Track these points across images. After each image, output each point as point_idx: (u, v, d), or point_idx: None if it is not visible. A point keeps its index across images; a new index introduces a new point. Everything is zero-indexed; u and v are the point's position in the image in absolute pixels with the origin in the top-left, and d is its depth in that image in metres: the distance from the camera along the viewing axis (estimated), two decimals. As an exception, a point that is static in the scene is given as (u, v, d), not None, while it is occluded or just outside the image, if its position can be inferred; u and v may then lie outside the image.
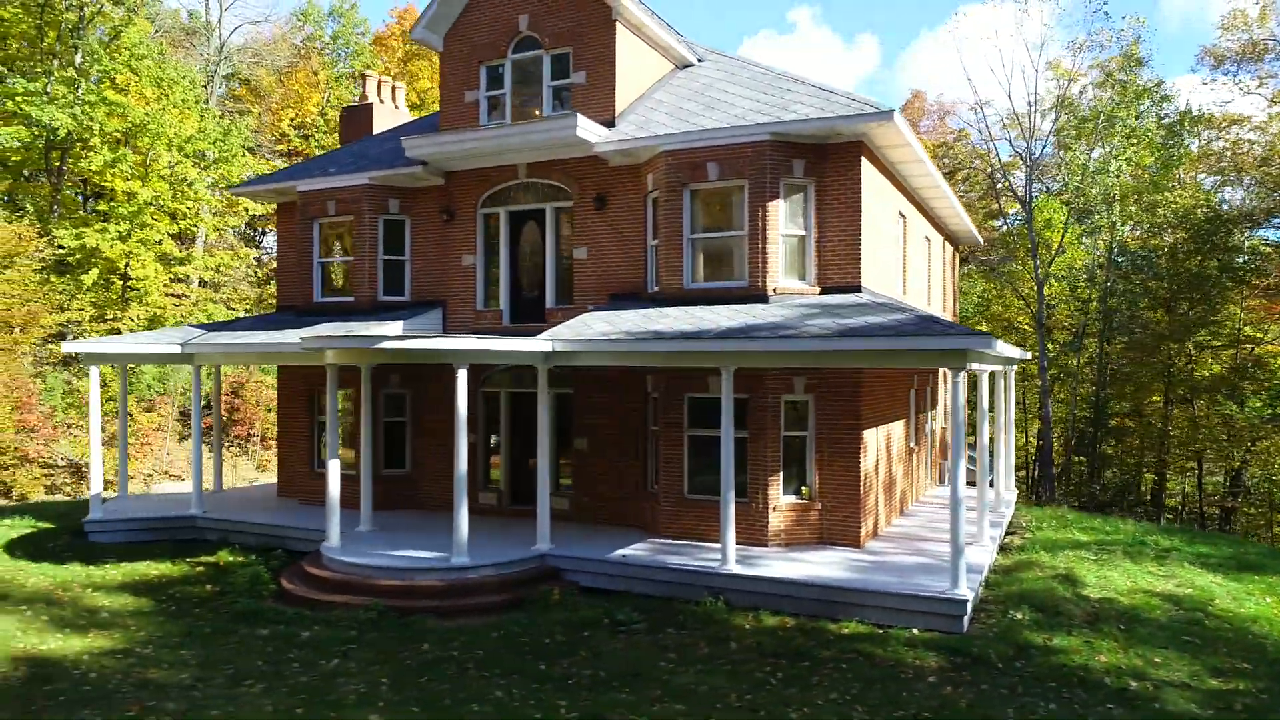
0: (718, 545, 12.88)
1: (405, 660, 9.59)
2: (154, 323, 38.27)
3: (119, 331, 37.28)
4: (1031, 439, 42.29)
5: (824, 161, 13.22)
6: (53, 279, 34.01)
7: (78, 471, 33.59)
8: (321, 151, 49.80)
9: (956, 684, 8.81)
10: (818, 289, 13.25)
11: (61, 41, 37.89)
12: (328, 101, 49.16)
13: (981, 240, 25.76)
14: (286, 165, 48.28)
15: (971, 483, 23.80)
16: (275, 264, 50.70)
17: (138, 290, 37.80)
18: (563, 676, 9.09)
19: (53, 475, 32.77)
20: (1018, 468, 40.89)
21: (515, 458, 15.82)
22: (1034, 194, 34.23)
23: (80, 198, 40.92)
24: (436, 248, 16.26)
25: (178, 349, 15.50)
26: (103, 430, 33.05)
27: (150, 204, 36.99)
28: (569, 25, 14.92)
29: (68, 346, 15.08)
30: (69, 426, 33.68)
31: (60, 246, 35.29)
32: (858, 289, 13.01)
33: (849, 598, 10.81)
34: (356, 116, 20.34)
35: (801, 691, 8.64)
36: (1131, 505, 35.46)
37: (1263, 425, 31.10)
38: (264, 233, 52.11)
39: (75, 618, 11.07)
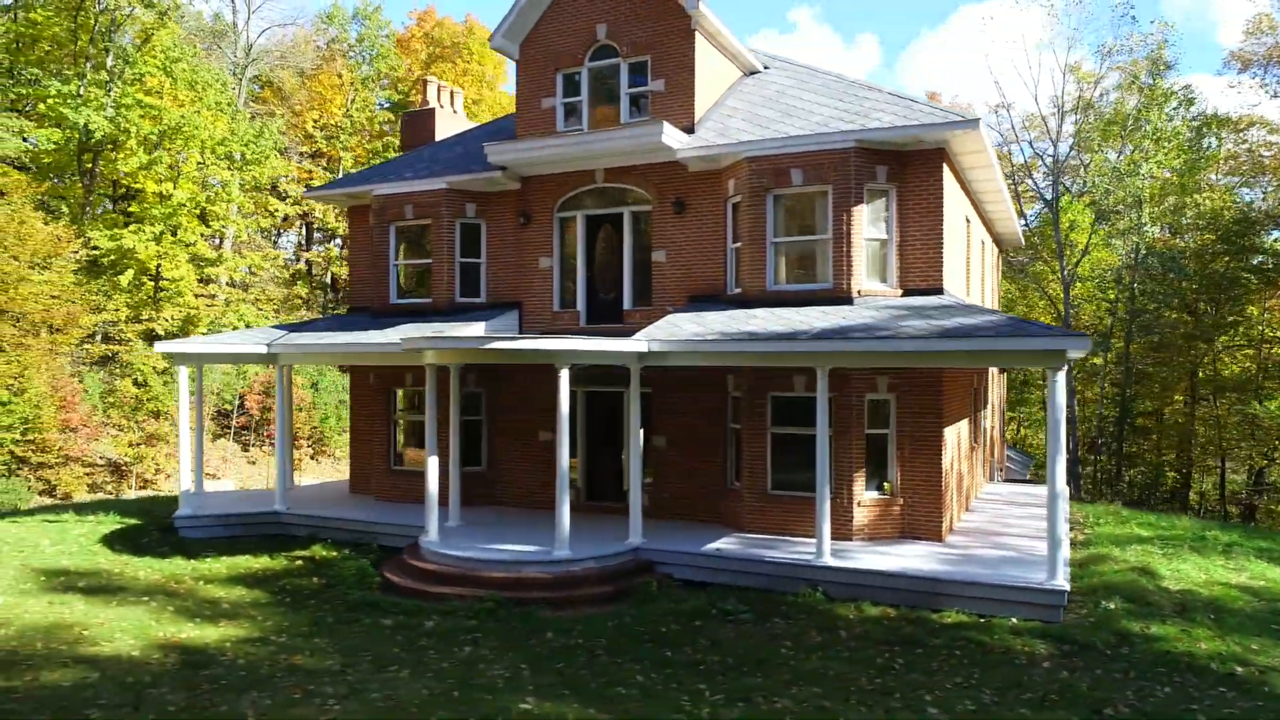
0: (803, 539, 13.32)
1: (535, 648, 10.01)
2: (188, 324, 38.70)
3: (155, 332, 37.73)
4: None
5: (905, 167, 13.66)
6: (87, 280, 34.36)
7: (117, 470, 34.03)
8: (347, 153, 50.18)
9: (1071, 669, 9.25)
10: (899, 291, 13.69)
11: (94, 44, 38.30)
12: (352, 103, 49.55)
13: (1023, 242, 26.23)
14: (312, 167, 48.70)
15: (1012, 480, 24.25)
16: (303, 266, 50.92)
17: (168, 291, 38.23)
18: (691, 662, 9.51)
19: (93, 474, 33.20)
20: (1039, 466, 41.34)
21: (591, 455, 16.24)
22: (1058, 195, 34.66)
23: (110, 199, 41.30)
24: (512, 250, 16.67)
25: (264, 349, 15.92)
26: (133, 429, 33.48)
27: (184, 206, 37.40)
28: (648, 35, 15.33)
29: (160, 346, 15.46)
30: (105, 425, 34.12)
31: (94, 248, 35.69)
32: (940, 291, 13.45)
33: (947, 589, 11.24)
34: (418, 121, 20.74)
35: (925, 675, 9.07)
36: (1156, 503, 35.92)
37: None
38: (280, 234, 52.49)
39: (199, 608, 11.48)
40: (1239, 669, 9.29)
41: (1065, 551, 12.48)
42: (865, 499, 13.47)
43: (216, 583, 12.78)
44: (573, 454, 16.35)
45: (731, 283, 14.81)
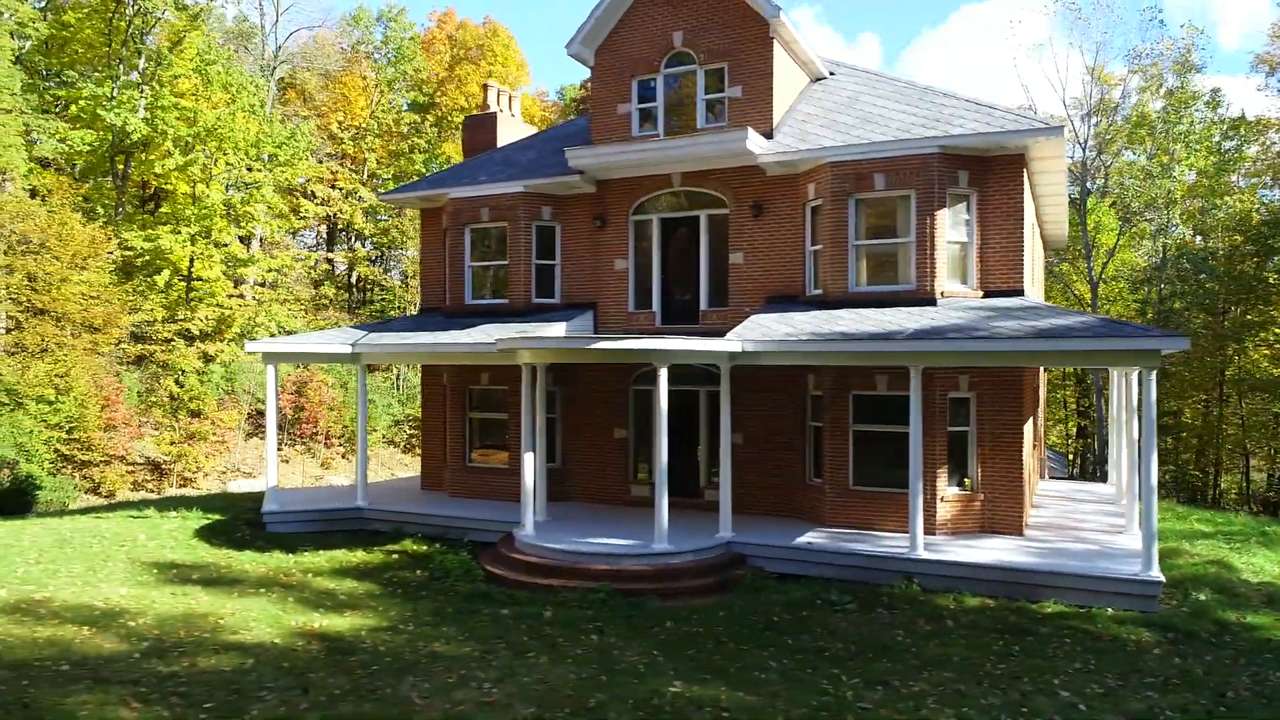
0: (886, 534, 13.74)
1: (659, 636, 10.41)
2: (222, 324, 39.08)
3: (190, 332, 38.14)
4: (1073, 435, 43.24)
5: (986, 172, 14.07)
6: (121, 281, 34.74)
7: (156, 469, 34.40)
8: (371, 154, 50.56)
9: (1182, 656, 9.66)
10: (980, 292, 14.10)
11: (126, 46, 38.69)
12: (377, 105, 49.91)
13: (1067, 243, 26.67)
14: (337, 168, 49.05)
15: (1055, 478, 24.68)
16: (326, 266, 51.02)
17: (198, 291, 38.60)
18: (814, 649, 9.92)
19: (134, 472, 33.58)
20: (1086, 463, 41.77)
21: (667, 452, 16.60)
22: (1086, 196, 35.10)
23: (138, 201, 41.67)
24: (587, 252, 17.07)
25: (348, 349, 16.31)
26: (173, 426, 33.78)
27: (218, 208, 37.79)
28: (726, 42, 15.73)
29: (251, 346, 15.85)
30: (145, 425, 34.47)
31: (128, 249, 36.05)
32: (1020, 292, 13.86)
33: (1042, 580, 11.65)
34: (480, 125, 21.13)
35: (1044, 661, 9.48)
36: (1180, 500, 36.37)
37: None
38: (305, 234, 52.83)
39: (318, 599, 11.87)
40: (1342, 655, 9.70)
41: (1129, 545, 12.95)
42: (948, 494, 13.88)
43: (323, 575, 13.18)
44: (649, 452, 16.74)
45: (810, 284, 15.22)
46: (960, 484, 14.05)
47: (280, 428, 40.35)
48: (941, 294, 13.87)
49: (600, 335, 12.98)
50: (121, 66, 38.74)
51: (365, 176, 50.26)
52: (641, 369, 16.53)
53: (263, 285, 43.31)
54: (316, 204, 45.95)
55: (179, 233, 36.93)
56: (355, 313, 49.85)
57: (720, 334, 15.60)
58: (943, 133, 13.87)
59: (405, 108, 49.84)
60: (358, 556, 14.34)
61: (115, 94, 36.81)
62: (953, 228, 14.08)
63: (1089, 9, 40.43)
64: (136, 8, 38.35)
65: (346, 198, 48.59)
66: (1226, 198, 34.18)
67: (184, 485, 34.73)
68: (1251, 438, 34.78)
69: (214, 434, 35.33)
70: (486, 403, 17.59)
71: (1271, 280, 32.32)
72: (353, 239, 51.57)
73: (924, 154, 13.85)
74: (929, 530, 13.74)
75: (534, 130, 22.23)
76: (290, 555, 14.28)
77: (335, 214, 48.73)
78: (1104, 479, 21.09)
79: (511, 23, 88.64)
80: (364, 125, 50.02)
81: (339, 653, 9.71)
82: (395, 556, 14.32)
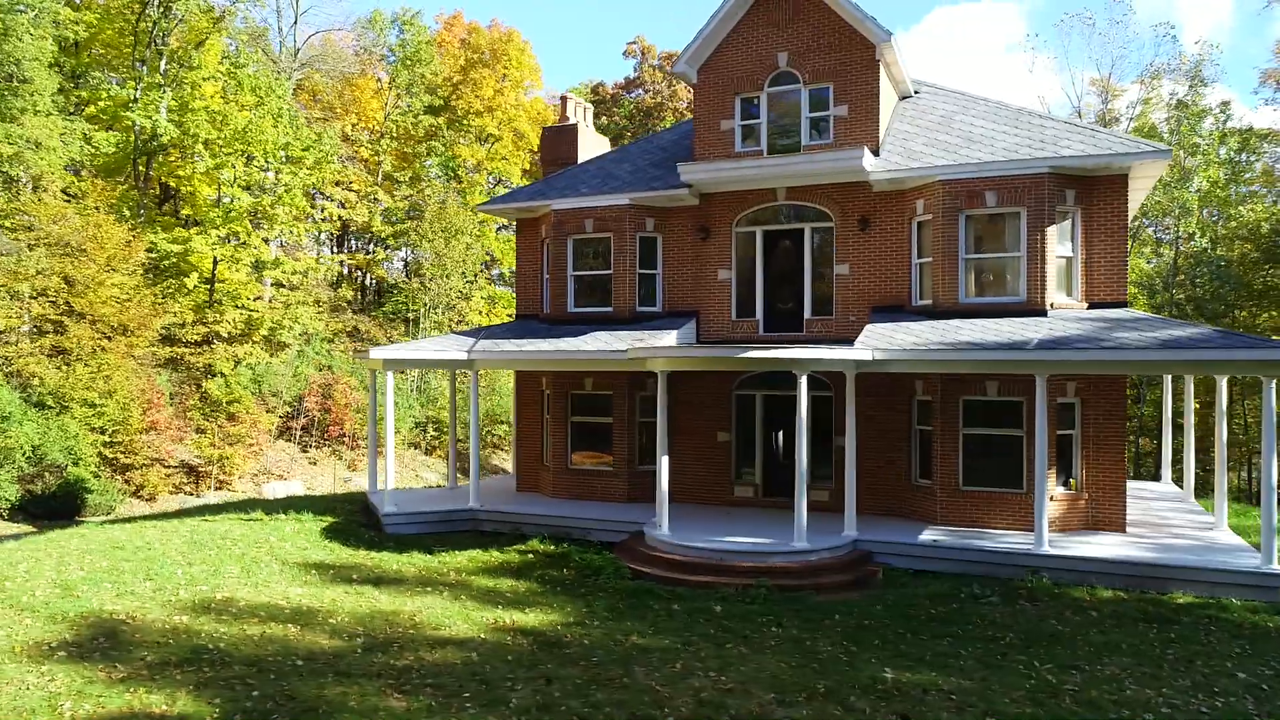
0: (996, 531, 14.61)
1: (835, 627, 11.13)
2: (251, 325, 39.21)
3: (220, 334, 38.24)
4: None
5: (1091, 191, 14.98)
6: (151, 283, 34.81)
7: (193, 472, 34.53)
8: (389, 157, 50.78)
9: (1322, 640, 10.58)
10: (1084, 304, 15.00)
11: (150, 48, 38.69)
12: (393, 108, 50.10)
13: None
14: (354, 171, 49.20)
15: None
16: (340, 268, 50.91)
17: (220, 293, 38.68)
18: (988, 638, 10.70)
19: (171, 475, 33.69)
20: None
21: (768, 454, 17.38)
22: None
23: (158, 203, 41.62)
24: (690, 262, 17.76)
25: (464, 355, 16.85)
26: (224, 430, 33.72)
27: (248, 210, 37.95)
28: (831, 64, 16.49)
29: (376, 353, 16.32)
30: (186, 428, 34.55)
31: (152, 251, 36.08)
32: (1124, 304, 14.79)
33: (1167, 573, 12.55)
34: (560, 136, 21.70)
35: (1204, 646, 10.33)
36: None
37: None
38: (324, 236, 52.82)
39: (489, 596, 12.45)
40: None
41: (1224, 540, 13.91)
42: (1056, 494, 14.76)
43: (475, 574, 13.73)
44: (752, 454, 17.47)
45: (916, 294, 16.03)
46: (1066, 484, 14.95)
47: (307, 430, 40.62)
48: (1051, 305, 14.75)
49: (745, 345, 13.67)
50: (144, 68, 38.70)
51: (380, 179, 50.46)
52: (744, 375, 17.24)
53: (285, 287, 43.43)
54: (335, 206, 46.12)
55: (207, 235, 37.03)
56: (371, 314, 50.02)
57: (825, 342, 16.40)
58: (1052, 153, 14.74)
59: (424, 111, 50.05)
60: (494, 556, 14.90)
61: (138, 95, 36.85)
62: (1060, 243, 14.97)
63: (1104, 24, 41.78)
64: (161, 9, 38.34)
65: (362, 200, 48.78)
66: (1241, 208, 35.66)
67: (220, 488, 34.91)
68: (1251, 438, 36.34)
69: (250, 437, 35.49)
70: (589, 407, 18.19)
71: (1278, 286, 33.82)
72: (369, 241, 51.72)
73: (1035, 174, 14.72)
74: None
75: (605, 140, 22.85)
76: (429, 555, 14.81)
77: (350, 217, 48.91)
78: (1158, 478, 22.11)
79: (518, 24, 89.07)
80: (380, 128, 50.23)
81: (549, 646, 10.32)
82: (531, 556, 14.90)
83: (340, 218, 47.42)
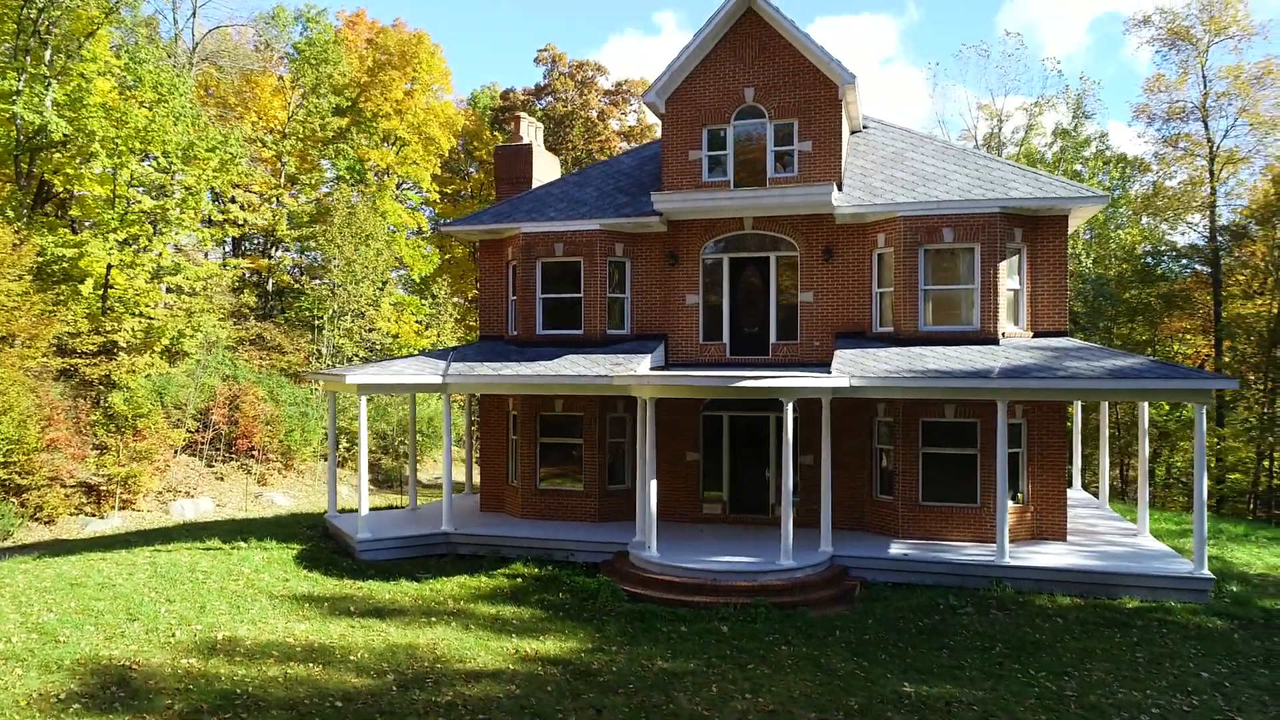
0: (953, 543, 15.79)
1: (839, 643, 11.89)
2: (151, 334, 37.29)
3: (118, 343, 36.21)
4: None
5: (1036, 229, 16.37)
6: (40, 289, 32.76)
7: (93, 492, 32.65)
8: (293, 158, 49.03)
9: (1258, 638, 12.06)
10: (1030, 333, 16.38)
11: (35, 37, 36.35)
12: (298, 108, 48.37)
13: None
14: (257, 172, 47.29)
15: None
16: (239, 274, 48.92)
17: (114, 299, 36.69)
18: (981, 649, 11.66)
19: (71, 496, 31.80)
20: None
21: (734, 473, 18.09)
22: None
23: (38, 202, 39.04)
24: (658, 287, 18.29)
25: (438, 379, 16.83)
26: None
27: (147, 214, 36.15)
28: (796, 101, 17.35)
29: (352, 378, 16.08)
30: (86, 444, 32.62)
31: (41, 254, 33.90)
32: (1064, 334, 16.24)
33: (1115, 580, 13.93)
34: (515, 155, 21.80)
35: (1166, 649, 11.61)
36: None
37: (1180, 429, 37.15)
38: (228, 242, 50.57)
39: (497, 624, 12.61)
40: (1365, 631, 12.39)
41: (1150, 545, 15.55)
42: (1007, 507, 16.04)
43: (472, 601, 13.83)
44: (719, 473, 18.14)
45: (876, 322, 17.08)
46: (1014, 498, 16.28)
47: (213, 444, 38.89)
48: (1003, 334, 16.04)
49: (743, 375, 14.20)
50: (29, 58, 36.27)
51: (283, 180, 48.71)
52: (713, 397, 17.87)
53: (186, 294, 41.40)
54: (237, 209, 44.22)
55: (105, 239, 35.04)
56: (274, 320, 48.25)
57: (791, 365, 17.25)
58: (1003, 194, 16.04)
59: (332, 112, 48.57)
60: (483, 582, 14.99)
61: (21, 87, 34.52)
62: (1009, 276, 16.29)
63: (999, 57, 44.82)
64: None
65: (265, 202, 47.01)
66: (1120, 231, 38.96)
67: (125, 508, 33.14)
68: (1126, 439, 39.80)
69: (157, 454, 33.81)
70: (558, 428, 18.43)
71: (1154, 304, 37.19)
72: (271, 245, 49.76)
73: (988, 213, 15.97)
74: (992, 538, 15.86)
75: (555, 160, 23.07)
76: (417, 583, 14.77)
77: (251, 219, 46.98)
78: (1070, 485, 24.10)
79: (419, 23, 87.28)
80: (284, 129, 48.46)
81: (581, 675, 10.66)
82: (520, 580, 15.08)
83: (244, 220, 45.53)
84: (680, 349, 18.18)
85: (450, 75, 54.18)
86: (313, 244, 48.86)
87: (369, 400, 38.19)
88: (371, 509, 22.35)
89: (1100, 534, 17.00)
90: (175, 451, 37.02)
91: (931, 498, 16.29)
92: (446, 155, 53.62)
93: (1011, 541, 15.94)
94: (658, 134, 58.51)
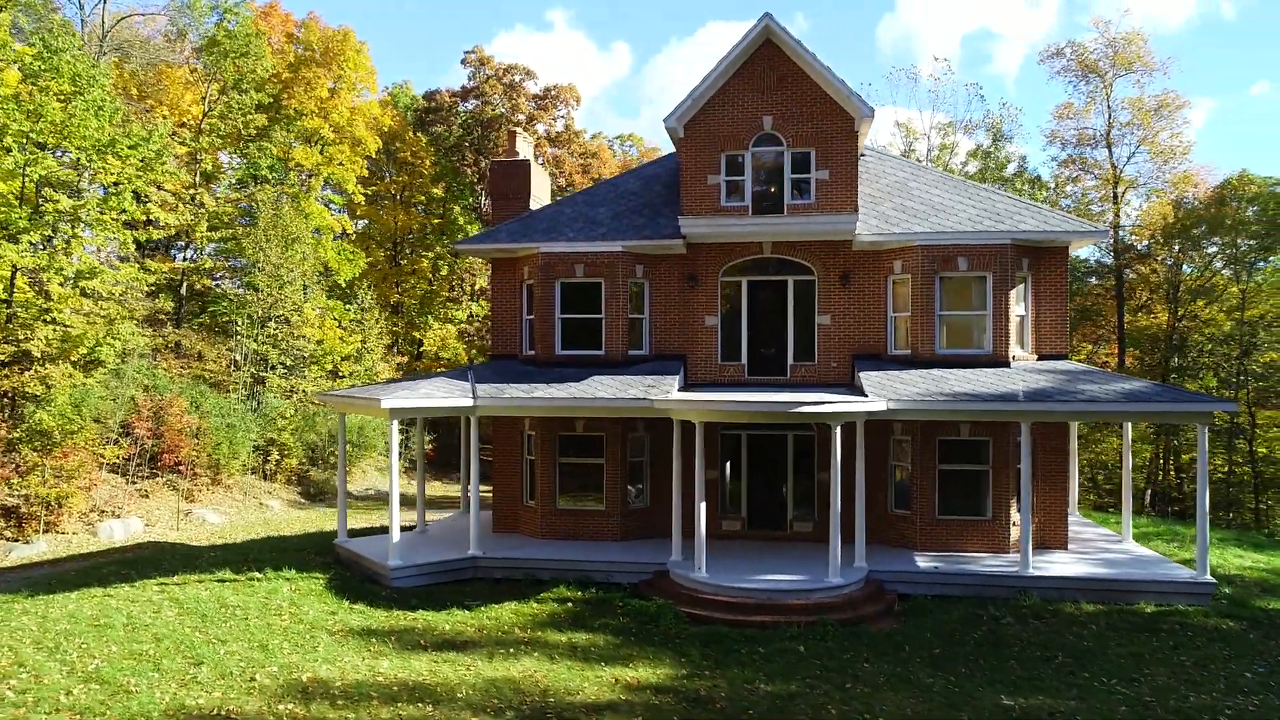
0: (968, 554, 16.81)
1: (913, 658, 12.53)
2: (69, 343, 34.88)
3: (30, 354, 33.73)
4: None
5: (1039, 259, 17.56)
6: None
7: (12, 515, 30.43)
8: (211, 156, 46.61)
9: (1267, 636, 13.42)
10: (1034, 356, 17.57)
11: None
12: (216, 102, 45.92)
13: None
14: (182, 173, 44.76)
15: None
16: (157, 278, 46.19)
17: (25, 305, 34.23)
18: (1044, 658, 12.52)
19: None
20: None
21: (753, 489, 18.61)
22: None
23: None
24: (677, 308, 18.62)
25: (469, 402, 16.63)
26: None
27: (68, 213, 33.88)
28: (812, 131, 18.00)
29: (386, 402, 15.66)
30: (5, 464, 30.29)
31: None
32: (1065, 357, 17.50)
33: (1129, 587, 15.16)
34: (513, 170, 21.65)
35: (1199, 650, 12.78)
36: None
37: (1092, 432, 40.07)
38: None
39: (574, 653, 12.64)
40: (1352, 627, 13.98)
41: (1143, 552, 17.01)
42: (1015, 519, 17.17)
43: (534, 628, 13.79)
44: (739, 490, 18.61)
45: (891, 344, 17.93)
46: (1020, 509, 17.39)
47: (138, 460, 36.69)
48: (1013, 358, 17.14)
49: (801, 400, 14.65)
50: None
51: (199, 179, 46.25)
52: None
53: (104, 299, 38.80)
54: (157, 208, 41.72)
55: (18, 241, 32.60)
56: (190, 326, 45.81)
57: (808, 386, 17.93)
58: (1014, 227, 17.15)
59: (255, 109, 46.41)
60: (533, 608, 14.93)
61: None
62: (1016, 303, 17.42)
63: (927, 80, 47.16)
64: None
65: (181, 202, 44.56)
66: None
67: (49, 531, 31.01)
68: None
69: (85, 472, 31.73)
70: (579, 448, 18.47)
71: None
72: (185, 246, 47.10)
73: (1000, 244, 17.05)
74: (1004, 549, 16.97)
75: (546, 175, 23.03)
76: (469, 612, 14.60)
77: (167, 220, 44.42)
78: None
79: (335, 18, 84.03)
80: (201, 124, 45.96)
81: (695, 703, 10.91)
82: (571, 605, 15.11)
83: (162, 221, 42.98)
84: (699, 370, 18.55)
85: (376, 74, 52.73)
86: (231, 245, 46.65)
87: (309, 410, 36.68)
88: (354, 531, 21.47)
89: (1090, 541, 18.38)
90: (102, 469, 34.78)
91: (947, 512, 17.24)
92: (374, 156, 52.11)
93: (1020, 551, 17.05)
94: (587, 138, 58.56)
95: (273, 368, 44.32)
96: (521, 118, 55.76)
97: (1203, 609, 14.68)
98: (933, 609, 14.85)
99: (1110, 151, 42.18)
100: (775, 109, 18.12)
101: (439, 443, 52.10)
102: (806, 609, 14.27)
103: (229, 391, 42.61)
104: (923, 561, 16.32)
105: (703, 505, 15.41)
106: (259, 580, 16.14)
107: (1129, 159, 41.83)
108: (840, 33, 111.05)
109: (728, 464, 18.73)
